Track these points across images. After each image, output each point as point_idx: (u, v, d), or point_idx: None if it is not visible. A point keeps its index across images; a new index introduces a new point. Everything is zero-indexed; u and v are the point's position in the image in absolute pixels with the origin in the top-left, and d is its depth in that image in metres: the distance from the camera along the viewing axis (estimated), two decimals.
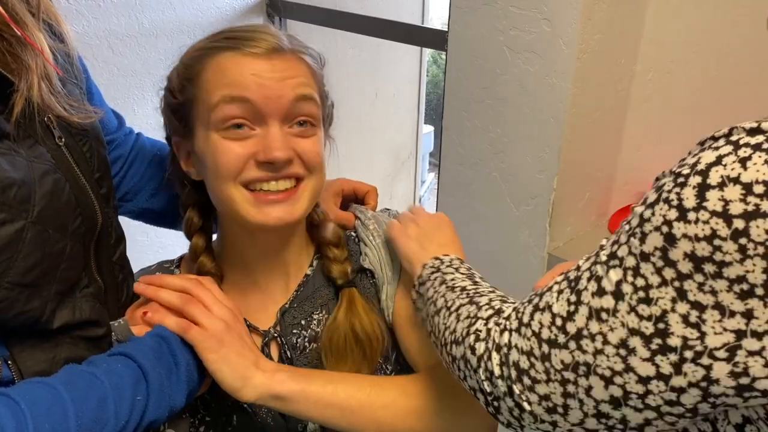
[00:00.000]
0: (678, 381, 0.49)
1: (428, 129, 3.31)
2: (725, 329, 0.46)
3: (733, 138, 0.47)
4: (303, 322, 0.78)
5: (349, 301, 0.78)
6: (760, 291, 0.45)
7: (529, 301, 0.58)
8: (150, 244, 1.79)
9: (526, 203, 1.30)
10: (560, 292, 0.55)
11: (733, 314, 0.46)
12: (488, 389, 0.58)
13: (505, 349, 0.57)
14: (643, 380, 0.51)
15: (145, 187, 0.88)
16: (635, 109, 1.32)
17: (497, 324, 0.59)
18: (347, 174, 0.94)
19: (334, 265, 0.79)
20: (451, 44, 1.33)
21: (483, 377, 0.58)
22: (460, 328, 0.63)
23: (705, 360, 0.47)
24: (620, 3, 1.17)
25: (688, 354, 0.48)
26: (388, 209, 0.90)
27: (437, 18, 2.91)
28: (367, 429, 0.70)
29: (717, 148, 0.47)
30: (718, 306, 0.46)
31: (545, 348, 0.55)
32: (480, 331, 0.60)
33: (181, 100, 0.72)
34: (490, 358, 0.58)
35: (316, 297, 0.79)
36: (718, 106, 1.33)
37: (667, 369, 0.49)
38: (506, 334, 0.57)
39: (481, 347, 0.59)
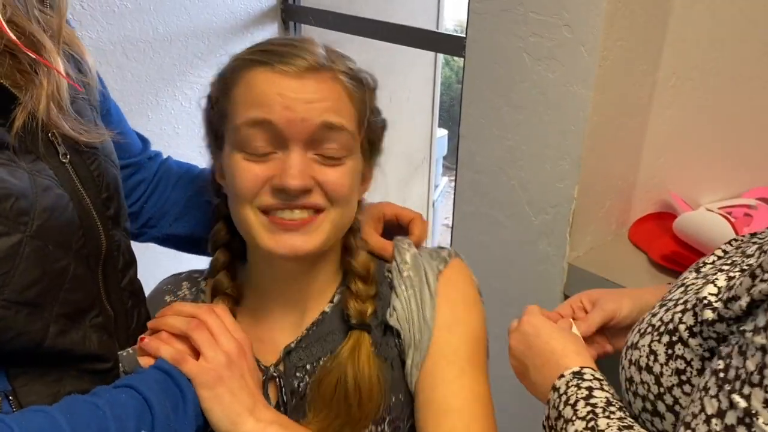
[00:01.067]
0: None
1: (442, 132, 3.28)
2: None
3: None
4: (308, 366, 0.72)
5: (354, 345, 0.70)
6: None
7: None
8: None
9: (545, 212, 1.28)
10: None
11: None
12: None
13: None
14: None
15: (169, 211, 0.85)
16: (657, 117, 1.29)
17: None
18: None
19: (352, 301, 0.72)
20: (468, 51, 1.31)
21: None
22: None
23: None
24: (643, 10, 1.15)
25: None
26: (442, 248, 0.79)
27: (450, 19, 2.89)
28: None
29: None
30: None
31: None
32: None
33: (216, 112, 0.69)
34: None
35: (328, 341, 0.72)
36: (741, 114, 1.30)
37: None
38: None
39: None
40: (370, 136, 0.73)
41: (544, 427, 0.65)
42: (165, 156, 0.90)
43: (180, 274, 0.82)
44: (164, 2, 1.68)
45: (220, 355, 0.63)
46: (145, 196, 0.85)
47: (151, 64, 1.70)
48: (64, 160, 0.63)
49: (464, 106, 1.36)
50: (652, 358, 0.61)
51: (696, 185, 1.36)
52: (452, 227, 1.50)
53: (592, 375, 0.64)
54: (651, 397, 0.60)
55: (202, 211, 0.84)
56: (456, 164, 1.43)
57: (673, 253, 1.20)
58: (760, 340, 0.46)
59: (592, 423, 0.58)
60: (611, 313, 0.79)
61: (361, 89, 0.70)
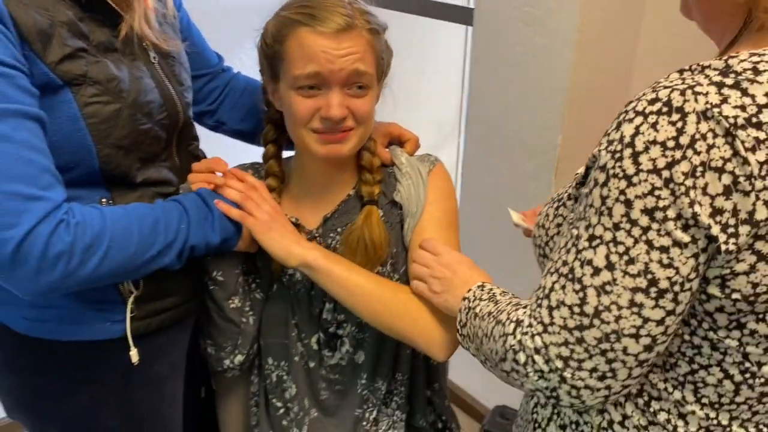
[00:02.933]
0: (680, 308, 0.62)
1: None
2: (687, 258, 0.59)
3: (639, 109, 0.60)
4: (339, 229, 0.99)
5: (368, 215, 0.97)
6: (691, 221, 0.58)
7: (539, 305, 0.67)
8: None
9: (535, 158, 1.50)
10: (563, 287, 0.65)
11: (686, 245, 0.59)
12: (544, 385, 0.67)
13: (543, 350, 0.66)
14: (660, 322, 0.62)
15: (236, 113, 1.16)
16: (639, 78, 1.49)
17: (524, 334, 0.68)
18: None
19: (365, 186, 0.99)
20: (475, 20, 1.54)
21: (535, 378, 0.67)
22: (499, 349, 0.72)
23: (686, 285, 0.61)
24: None
25: (677, 288, 0.61)
26: (428, 155, 1.04)
27: None
28: (361, 312, 0.93)
29: (631, 121, 0.60)
30: (677, 243, 0.59)
31: (576, 333, 0.64)
32: (513, 345, 0.69)
33: (271, 53, 0.93)
34: (534, 361, 0.67)
35: (351, 213, 1.00)
36: None
37: (670, 306, 0.61)
38: (537, 338, 0.66)
39: (521, 357, 0.68)
40: (382, 69, 0.96)
41: (458, 331, 0.85)
42: (235, 71, 1.19)
43: (245, 164, 1.06)
44: None
45: (264, 214, 0.92)
46: (219, 99, 1.15)
47: (212, 33, 1.98)
48: (153, 61, 0.91)
49: (472, 67, 1.59)
50: (545, 218, 0.82)
51: None
52: (462, 173, 1.73)
53: (491, 285, 0.86)
54: (542, 244, 0.82)
55: (261, 115, 1.11)
56: (465, 118, 1.67)
57: None
58: (584, 189, 0.65)
59: (492, 301, 0.80)
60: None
61: (378, 37, 0.92)
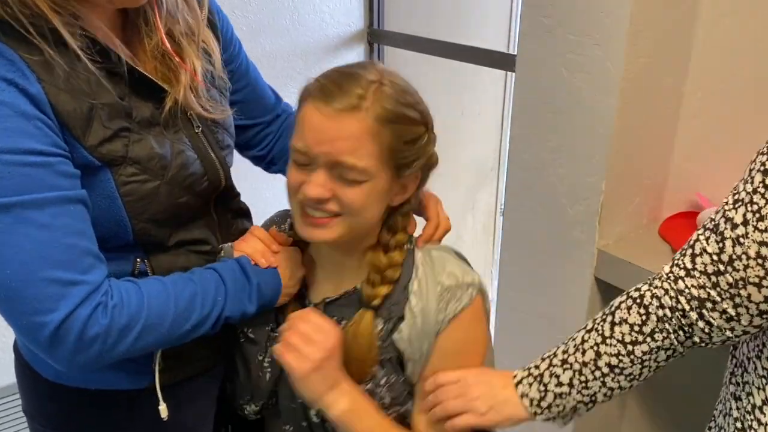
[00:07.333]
0: None
1: None
2: None
3: None
4: (335, 317, 0.91)
5: (358, 323, 0.88)
6: None
7: (682, 255, 0.78)
8: None
9: (579, 204, 1.48)
10: (707, 238, 0.76)
11: None
12: (684, 322, 0.78)
13: (686, 291, 0.77)
14: None
15: (287, 155, 1.13)
16: (685, 124, 1.47)
17: (665, 281, 0.80)
18: (434, 182, 1.03)
19: (366, 287, 0.89)
20: (518, 66, 1.55)
21: (678, 317, 0.78)
22: (636, 320, 0.81)
23: None
24: (667, 30, 1.34)
25: None
26: (470, 275, 0.91)
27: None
28: None
29: None
30: None
31: (713, 278, 0.75)
32: (651, 304, 0.80)
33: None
34: (678, 302, 0.78)
35: (353, 309, 0.90)
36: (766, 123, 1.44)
37: None
38: (680, 282, 0.78)
39: (667, 301, 0.79)
40: (400, 162, 0.84)
41: (536, 414, 0.88)
42: (291, 110, 1.17)
43: (288, 210, 1.00)
44: (272, 26, 2.03)
45: (307, 364, 0.84)
46: (271, 144, 1.14)
47: None
48: (197, 131, 0.90)
49: (514, 112, 1.60)
50: None
51: (724, 188, 1.52)
52: (503, 216, 1.72)
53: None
54: None
55: None
56: (507, 161, 1.66)
57: None
58: None
59: (565, 351, 0.87)
60: None
61: (390, 126, 0.81)
